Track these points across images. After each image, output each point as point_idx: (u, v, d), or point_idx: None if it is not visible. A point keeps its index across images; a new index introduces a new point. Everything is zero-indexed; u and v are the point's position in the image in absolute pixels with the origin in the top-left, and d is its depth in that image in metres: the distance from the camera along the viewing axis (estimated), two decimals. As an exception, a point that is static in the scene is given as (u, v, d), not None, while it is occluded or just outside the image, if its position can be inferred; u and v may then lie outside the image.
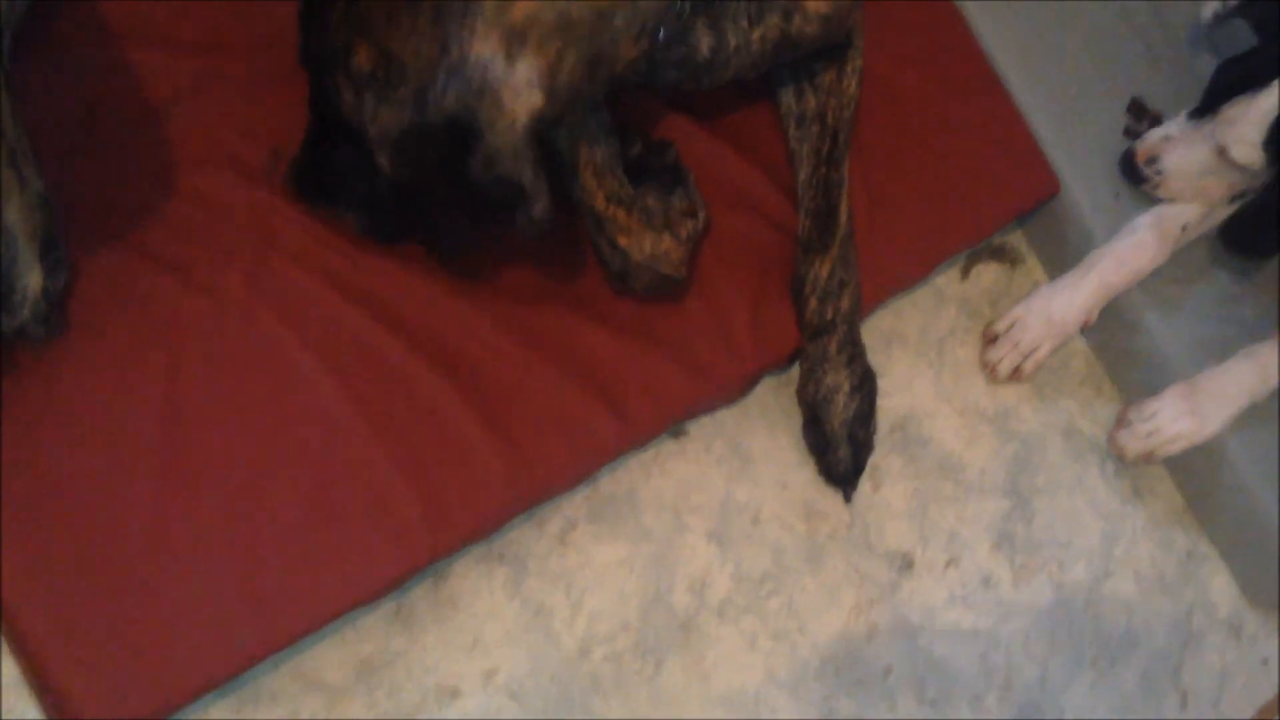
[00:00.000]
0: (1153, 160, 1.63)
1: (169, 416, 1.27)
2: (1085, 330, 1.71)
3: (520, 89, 1.07)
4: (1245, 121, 1.52)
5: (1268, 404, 1.64)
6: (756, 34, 1.33)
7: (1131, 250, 1.65)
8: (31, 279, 1.19)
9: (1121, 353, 1.72)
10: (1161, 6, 1.82)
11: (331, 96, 1.15)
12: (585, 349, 1.43)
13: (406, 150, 1.12)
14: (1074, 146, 1.71)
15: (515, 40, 1.06)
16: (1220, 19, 1.71)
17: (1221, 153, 1.55)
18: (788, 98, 1.54)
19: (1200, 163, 1.59)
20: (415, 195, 1.17)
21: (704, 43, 1.31)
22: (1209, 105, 1.58)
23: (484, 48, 1.05)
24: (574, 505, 1.47)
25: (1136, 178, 1.66)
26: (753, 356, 1.49)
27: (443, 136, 1.09)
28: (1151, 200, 1.66)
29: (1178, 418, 1.62)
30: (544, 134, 1.13)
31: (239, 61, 1.39)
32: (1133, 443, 1.65)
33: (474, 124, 1.08)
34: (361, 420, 1.32)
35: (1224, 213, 1.67)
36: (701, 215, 1.43)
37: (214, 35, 1.39)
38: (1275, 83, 1.49)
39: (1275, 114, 1.49)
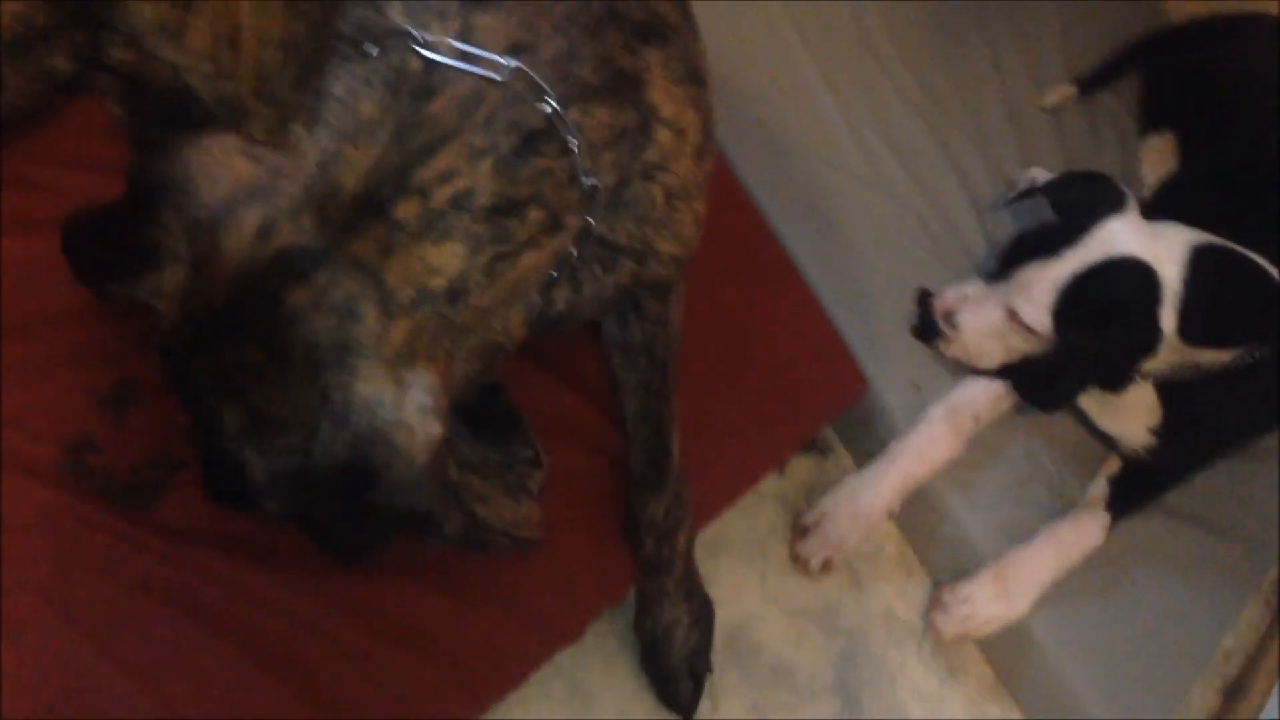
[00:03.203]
0: (949, 316, 1.70)
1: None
2: (891, 518, 1.76)
3: (415, 424, 1.00)
4: (1036, 286, 1.60)
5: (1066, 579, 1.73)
6: (610, 279, 1.29)
7: (928, 443, 1.73)
8: None
9: (929, 537, 1.78)
10: (940, 199, 1.90)
11: (209, 438, 1.04)
12: (428, 623, 1.36)
13: (295, 495, 1.03)
14: (873, 342, 1.76)
15: (402, 363, 0.99)
16: (1010, 204, 1.80)
17: (1012, 315, 1.63)
18: (611, 325, 1.52)
19: (992, 323, 1.68)
20: (315, 520, 1.08)
21: (560, 297, 1.27)
22: (1003, 269, 1.66)
23: (369, 387, 0.98)
24: (416, 774, 1.39)
25: (931, 334, 1.73)
26: (594, 600, 1.46)
27: (335, 482, 1.01)
28: (944, 372, 1.73)
29: (990, 601, 1.70)
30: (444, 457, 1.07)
31: (14, 344, 1.25)
32: (949, 626, 1.71)
33: (370, 467, 1.00)
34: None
35: (1010, 404, 1.76)
36: (545, 462, 1.38)
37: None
38: (1066, 253, 1.58)
39: (1063, 283, 1.57)
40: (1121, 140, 2.06)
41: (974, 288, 1.71)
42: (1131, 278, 1.55)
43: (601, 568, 1.47)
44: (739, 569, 1.68)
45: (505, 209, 1.03)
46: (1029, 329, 1.63)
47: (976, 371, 1.73)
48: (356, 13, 1.07)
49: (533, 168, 1.04)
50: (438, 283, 1.01)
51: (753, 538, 1.71)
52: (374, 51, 1.03)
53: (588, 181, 1.08)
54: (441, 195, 1.00)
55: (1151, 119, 2.09)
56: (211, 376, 1.00)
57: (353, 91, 1.02)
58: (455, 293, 1.02)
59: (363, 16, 1.07)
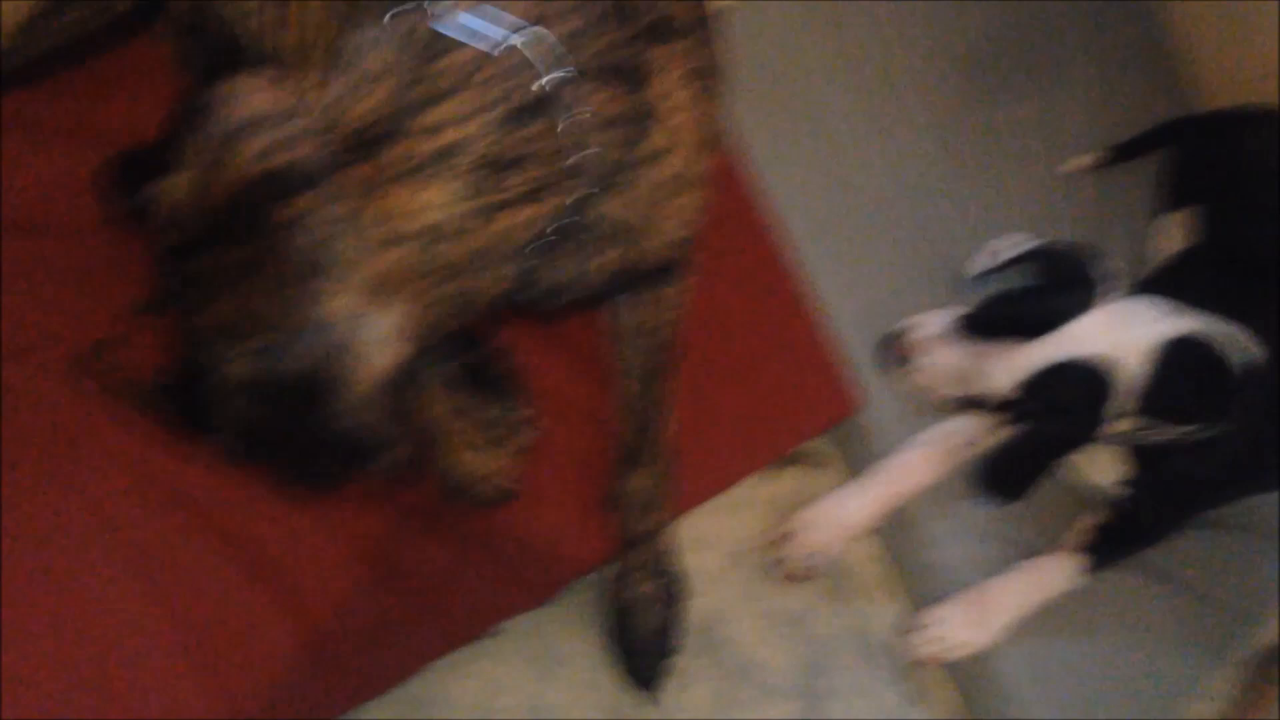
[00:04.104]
0: (908, 356, 1.74)
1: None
2: (874, 533, 1.81)
3: (380, 342, 1.08)
4: (1000, 366, 1.64)
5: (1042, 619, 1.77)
6: (597, 259, 1.36)
7: (917, 463, 1.78)
8: None
9: (911, 560, 1.82)
10: (942, 244, 1.97)
11: (188, 340, 1.13)
12: (411, 559, 1.44)
13: (257, 398, 1.12)
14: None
15: (372, 293, 1.08)
16: (988, 274, 1.85)
17: (971, 376, 1.68)
18: (615, 307, 1.60)
19: (954, 371, 1.71)
20: (270, 436, 1.16)
21: (545, 269, 1.34)
22: (978, 327, 1.69)
23: (333, 307, 1.06)
24: (381, 707, 1.45)
25: (895, 358, 1.77)
26: (573, 564, 1.53)
27: (294, 388, 1.09)
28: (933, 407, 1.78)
29: (964, 626, 1.74)
30: (402, 377, 1.16)
31: (62, 244, 1.36)
32: (923, 646, 1.75)
33: (327, 380, 1.09)
34: (167, 626, 1.29)
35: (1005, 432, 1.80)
36: (534, 424, 1.47)
37: (37, 216, 1.36)
38: (1033, 344, 1.61)
39: (1024, 373, 1.61)
40: (1129, 213, 2.12)
41: (940, 324, 1.73)
42: (1082, 381, 1.59)
43: (583, 535, 1.54)
44: (720, 565, 1.74)
45: (488, 166, 1.11)
46: (987, 396, 1.67)
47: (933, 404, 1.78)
48: None
49: (523, 134, 1.12)
50: (415, 225, 1.09)
51: (737, 538, 1.77)
52: (388, 21, 1.13)
53: (573, 156, 1.16)
54: (429, 145, 1.09)
55: (1177, 194, 2.15)
56: (205, 274, 1.09)
57: (362, 49, 1.12)
58: (433, 234, 1.10)
59: None
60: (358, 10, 1.26)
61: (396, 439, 1.16)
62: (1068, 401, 1.61)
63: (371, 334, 1.08)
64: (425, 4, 1.13)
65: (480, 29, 1.12)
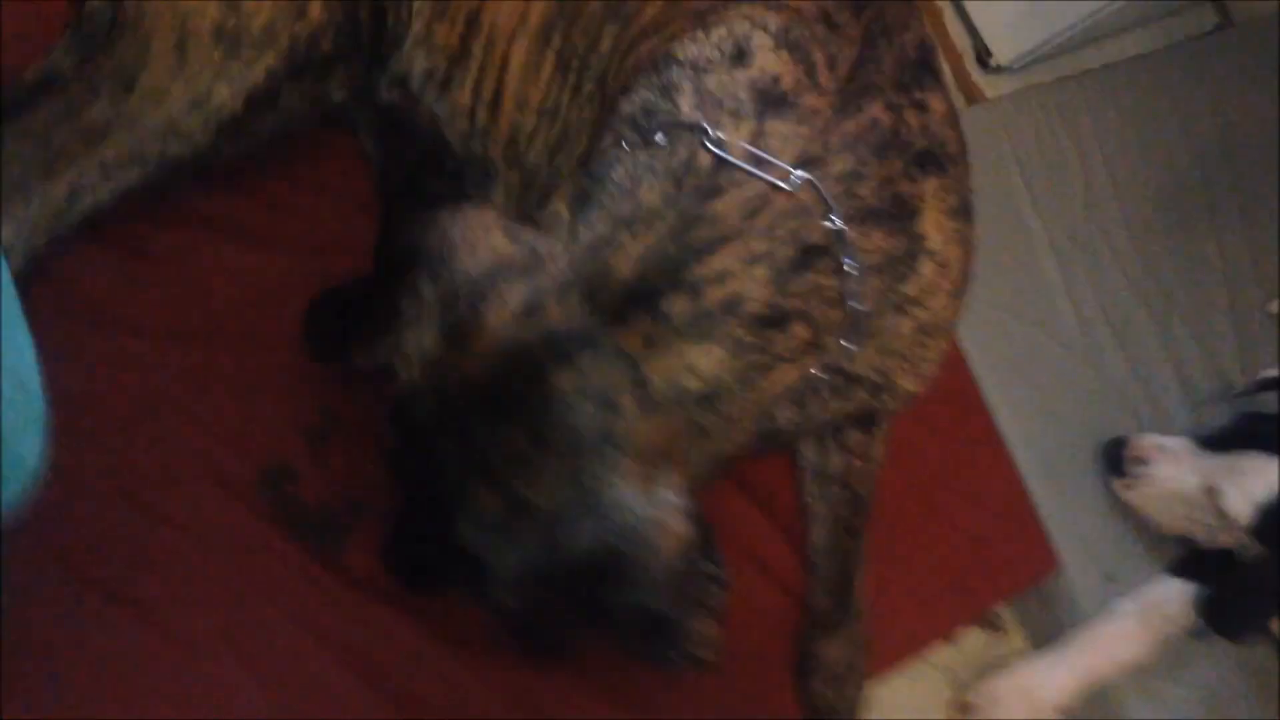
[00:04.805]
0: (1141, 461, 1.60)
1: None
2: (1063, 715, 1.63)
3: (668, 522, 0.96)
4: (1253, 477, 1.50)
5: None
6: (837, 405, 1.21)
7: (1117, 639, 1.60)
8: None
9: (1102, 744, 1.64)
10: (1151, 385, 1.82)
11: (445, 523, 0.99)
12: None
13: (534, 588, 0.98)
14: (1068, 521, 1.66)
15: (652, 460, 0.95)
16: (1258, 390, 1.72)
17: (1209, 492, 1.53)
18: (810, 450, 1.45)
19: (1184, 488, 1.57)
20: (549, 616, 1.04)
21: (784, 415, 1.20)
22: (1221, 444, 1.57)
23: (624, 481, 0.93)
24: None
25: (1117, 469, 1.63)
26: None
27: (574, 577, 0.96)
28: (1142, 565, 1.63)
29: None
30: (694, 550, 1.01)
31: (234, 358, 1.23)
32: None
33: (617, 564, 0.96)
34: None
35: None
36: (728, 583, 1.30)
37: (212, 324, 1.23)
38: None
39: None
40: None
41: (1177, 443, 1.61)
42: None
43: (766, 707, 1.37)
44: (895, 736, 1.57)
45: (771, 320, 0.98)
46: (1225, 515, 1.52)
47: (1157, 527, 1.64)
48: (644, 97, 1.06)
49: (805, 282, 0.99)
50: (694, 384, 0.97)
51: (914, 706, 1.59)
52: (661, 141, 1.01)
53: (854, 306, 1.03)
54: (713, 295, 0.96)
55: None
56: (462, 456, 0.96)
57: (634, 178, 1.00)
58: (707, 397, 0.98)
59: (650, 102, 1.05)
60: (601, 129, 1.13)
61: (693, 623, 1.03)
62: None
63: (666, 504, 0.95)
64: (702, 125, 0.99)
65: (766, 159, 0.98)
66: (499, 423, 0.93)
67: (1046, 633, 1.65)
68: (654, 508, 0.94)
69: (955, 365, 1.66)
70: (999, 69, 2.05)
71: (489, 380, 0.94)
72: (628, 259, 0.96)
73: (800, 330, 1.00)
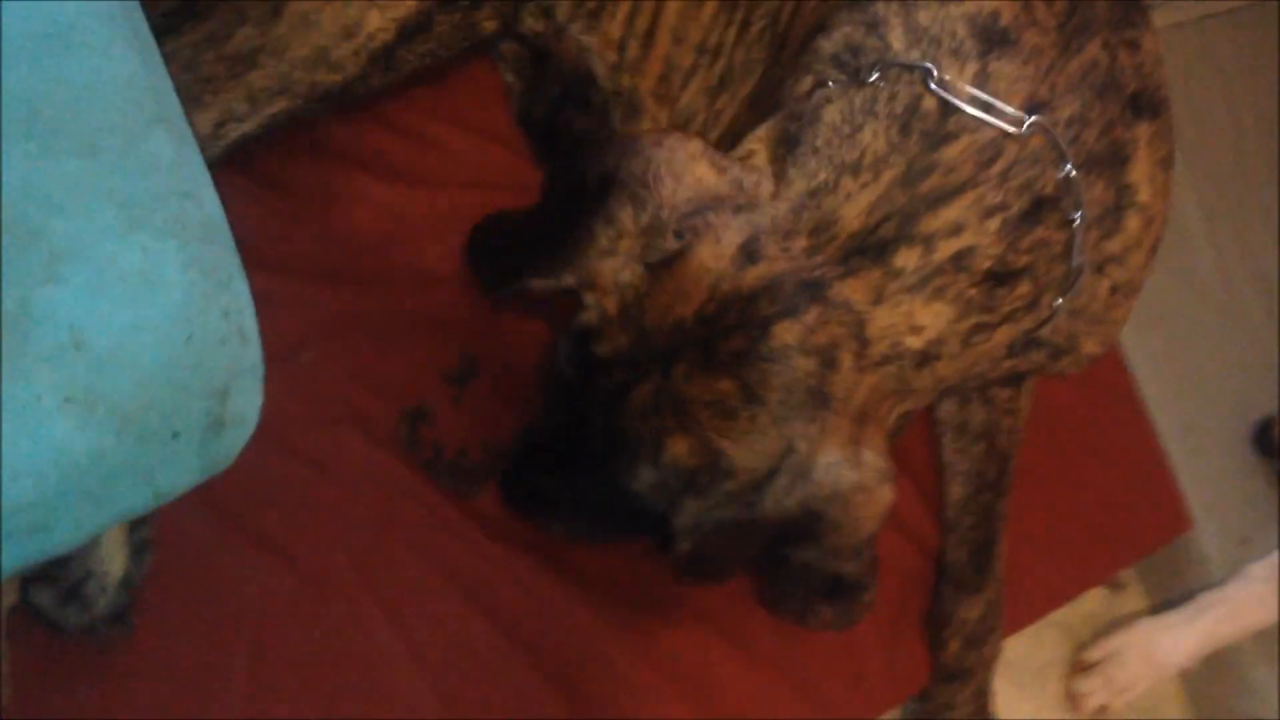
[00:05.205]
0: None
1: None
2: (1183, 676, 1.60)
3: (874, 487, 0.92)
4: None
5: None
6: (1008, 363, 1.13)
7: (1246, 603, 1.56)
8: (114, 563, 0.97)
9: (1223, 709, 1.60)
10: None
11: (618, 469, 0.96)
12: (705, 670, 1.26)
13: (718, 540, 0.95)
14: (1204, 482, 1.60)
15: (859, 421, 0.91)
16: None
17: None
18: (949, 403, 1.40)
19: None
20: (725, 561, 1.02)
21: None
22: None
23: (833, 442, 0.90)
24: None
25: (1269, 449, 1.59)
26: (881, 696, 1.34)
27: (769, 535, 0.93)
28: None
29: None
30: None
31: (374, 298, 1.20)
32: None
33: (818, 527, 0.92)
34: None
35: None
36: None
37: (355, 263, 1.20)
38: None
39: None
40: None
41: None
42: None
43: (895, 663, 1.35)
44: (1013, 696, 1.53)
45: (999, 276, 0.93)
46: None
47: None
48: (846, 34, 0.99)
49: (1034, 236, 0.93)
50: (915, 344, 0.92)
51: (1031, 665, 1.56)
52: (876, 80, 0.94)
53: (1077, 260, 0.97)
54: (946, 249, 0.91)
55: None
56: (656, 398, 0.92)
57: (852, 121, 0.93)
58: (926, 357, 0.93)
59: (855, 40, 0.98)
60: (754, 66, 1.07)
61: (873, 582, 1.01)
62: None
63: (872, 468, 0.92)
64: (926, 65, 0.93)
65: (994, 104, 0.92)
66: (709, 372, 0.89)
67: (1169, 592, 1.61)
68: (860, 472, 0.91)
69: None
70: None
71: (701, 325, 0.89)
72: (855, 207, 0.90)
73: (1025, 288, 0.95)
